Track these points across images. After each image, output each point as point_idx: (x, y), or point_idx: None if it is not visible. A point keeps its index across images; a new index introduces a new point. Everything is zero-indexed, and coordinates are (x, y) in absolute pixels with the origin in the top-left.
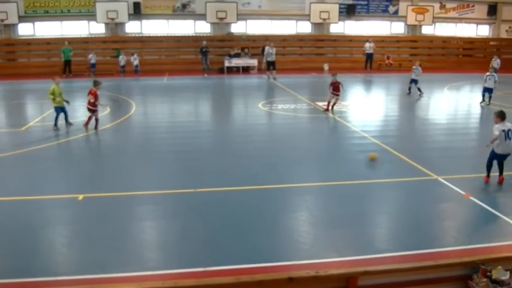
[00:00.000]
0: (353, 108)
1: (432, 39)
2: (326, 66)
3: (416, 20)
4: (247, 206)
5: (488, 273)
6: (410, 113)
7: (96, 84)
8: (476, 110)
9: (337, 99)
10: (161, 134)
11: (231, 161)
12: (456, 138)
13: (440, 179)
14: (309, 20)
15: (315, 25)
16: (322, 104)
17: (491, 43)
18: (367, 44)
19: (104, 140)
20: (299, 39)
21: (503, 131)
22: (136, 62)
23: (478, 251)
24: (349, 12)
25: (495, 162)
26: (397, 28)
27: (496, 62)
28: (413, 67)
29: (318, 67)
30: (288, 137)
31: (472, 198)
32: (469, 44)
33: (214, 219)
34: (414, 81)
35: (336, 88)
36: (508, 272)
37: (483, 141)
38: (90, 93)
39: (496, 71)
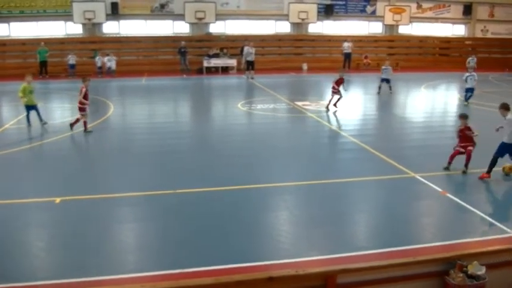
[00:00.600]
0: (332, 108)
1: (409, 38)
2: (305, 66)
3: (393, 20)
4: (227, 206)
5: (465, 269)
6: (388, 112)
7: (83, 80)
8: (452, 108)
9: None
10: (140, 135)
11: (210, 162)
12: (433, 136)
13: (417, 176)
14: (287, 20)
15: (294, 25)
16: (302, 104)
17: (467, 42)
18: (345, 44)
19: (82, 142)
20: (278, 39)
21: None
22: (110, 63)
23: (454, 247)
24: (327, 12)
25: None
26: (374, 28)
27: (473, 61)
28: (383, 67)
29: (296, 67)
30: (267, 136)
31: (448, 195)
32: (445, 43)
33: (194, 220)
34: (386, 80)
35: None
36: (484, 267)
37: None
38: (80, 91)
39: (474, 70)
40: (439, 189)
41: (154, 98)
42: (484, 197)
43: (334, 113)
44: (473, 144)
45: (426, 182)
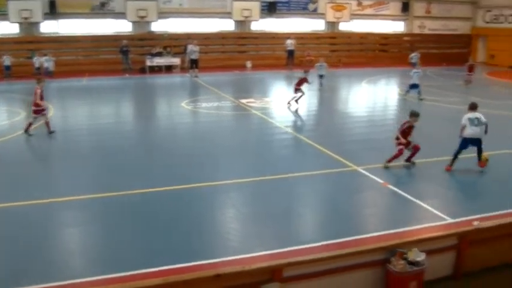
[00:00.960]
0: (276, 105)
1: (350, 35)
2: (249, 64)
3: (335, 17)
4: (173, 206)
5: (405, 256)
6: (330, 107)
7: (38, 81)
8: (392, 102)
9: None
10: (83, 136)
11: (156, 161)
12: (374, 130)
13: (360, 169)
14: (231, 17)
15: (237, 23)
16: (247, 101)
17: (405, 38)
18: (289, 41)
19: (22, 145)
20: (221, 37)
21: (469, 118)
22: (47, 64)
23: (395, 235)
24: (270, 9)
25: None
26: (317, 25)
27: (416, 57)
28: (318, 64)
29: (240, 64)
30: (212, 135)
31: (389, 186)
32: (385, 39)
33: (141, 221)
34: (321, 76)
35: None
36: (423, 253)
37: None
38: (35, 92)
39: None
40: (381, 181)
41: (96, 98)
42: (422, 187)
43: (296, 110)
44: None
45: (368, 174)
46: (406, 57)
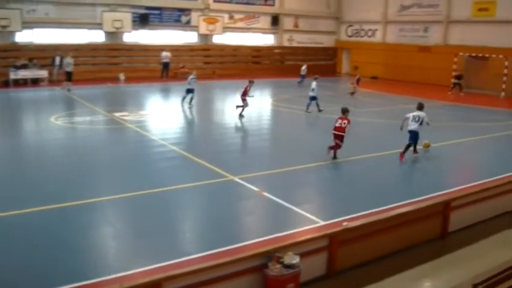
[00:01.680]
0: (151, 117)
1: (223, 47)
2: (122, 76)
3: (208, 30)
4: (48, 228)
5: (281, 260)
6: (206, 119)
7: None
8: (267, 112)
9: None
10: None
11: (24, 182)
12: (250, 140)
13: (236, 179)
14: (101, 28)
15: (108, 34)
16: (121, 115)
17: (276, 51)
18: (164, 53)
19: None
20: (92, 48)
21: (413, 115)
22: None
23: (271, 241)
24: (142, 21)
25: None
26: (190, 37)
27: (306, 69)
28: (190, 76)
29: (113, 77)
30: (85, 150)
31: (265, 193)
32: (257, 51)
33: (11, 246)
34: (190, 90)
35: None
36: (298, 256)
37: (274, 141)
38: None
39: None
40: (256, 189)
41: None
42: (296, 193)
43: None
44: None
45: (244, 183)
46: (277, 68)
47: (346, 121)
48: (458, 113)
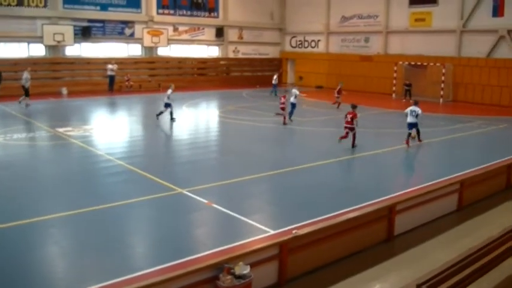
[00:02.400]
0: (97, 132)
1: (168, 60)
2: (64, 90)
3: (152, 42)
4: None
5: (232, 271)
6: (154, 132)
7: None
8: (214, 124)
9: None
10: None
11: None
12: (197, 152)
13: (185, 191)
14: (42, 42)
15: (49, 48)
16: (64, 130)
17: (222, 62)
18: (109, 66)
19: None
20: (32, 62)
21: (410, 110)
22: None
23: (222, 252)
24: (84, 34)
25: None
26: (134, 50)
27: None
28: (169, 91)
29: (55, 91)
30: (27, 168)
31: (214, 205)
32: (202, 63)
33: None
34: (168, 105)
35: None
36: (248, 266)
37: (222, 152)
38: None
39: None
40: (205, 201)
41: None
42: (245, 204)
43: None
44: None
45: (193, 195)
46: (223, 80)
47: (352, 115)
48: (401, 120)
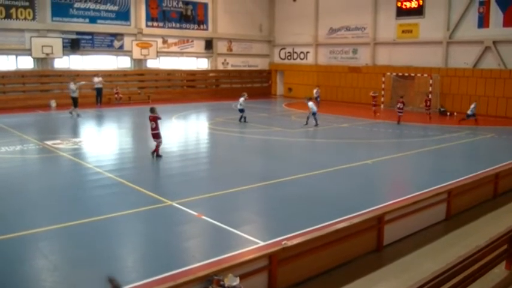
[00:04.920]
0: (86, 145)
1: (158, 72)
2: (53, 103)
3: (141, 54)
4: None
5: (222, 282)
6: (143, 145)
7: None
8: (203, 136)
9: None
10: None
11: None
12: (187, 164)
13: (174, 204)
14: (30, 55)
15: (38, 60)
16: (53, 143)
17: (211, 74)
18: (96, 79)
19: None
20: (21, 75)
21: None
22: None
23: (212, 264)
24: (73, 46)
25: None
26: (124, 62)
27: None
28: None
29: (44, 104)
30: (15, 181)
31: (204, 217)
32: (192, 75)
33: None
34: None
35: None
36: (238, 278)
37: (211, 164)
38: None
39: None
40: (195, 213)
41: None
42: (235, 215)
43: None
44: None
45: (183, 208)
46: (212, 92)
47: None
48: (389, 130)
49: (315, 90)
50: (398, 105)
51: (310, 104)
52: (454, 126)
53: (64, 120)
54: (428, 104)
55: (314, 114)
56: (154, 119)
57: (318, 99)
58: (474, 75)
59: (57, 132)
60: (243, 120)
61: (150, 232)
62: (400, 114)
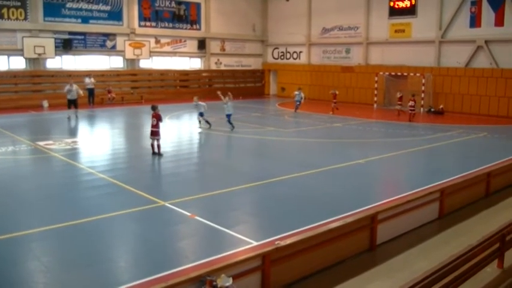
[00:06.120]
0: (78, 146)
1: (151, 72)
2: (46, 103)
3: (134, 54)
4: None
5: (215, 283)
6: (135, 145)
7: None
8: (196, 136)
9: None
10: None
11: None
12: (180, 164)
13: (167, 204)
14: (22, 55)
15: (30, 60)
16: (45, 144)
17: (204, 74)
18: (87, 79)
19: None
20: (13, 75)
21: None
22: None
23: (205, 264)
24: (65, 46)
25: None
26: (116, 62)
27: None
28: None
29: (36, 104)
30: (7, 181)
31: (197, 217)
32: (185, 75)
33: None
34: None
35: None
36: (231, 278)
37: (204, 164)
38: None
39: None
40: (188, 214)
41: None
42: (228, 216)
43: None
44: None
45: (175, 208)
46: (206, 92)
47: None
48: (383, 130)
49: (296, 93)
50: (409, 103)
51: (200, 103)
52: (446, 125)
53: (56, 120)
54: (412, 104)
55: (202, 115)
56: (157, 116)
57: (298, 102)
58: (466, 75)
59: (50, 132)
60: (230, 126)
61: (142, 233)
62: (411, 112)
